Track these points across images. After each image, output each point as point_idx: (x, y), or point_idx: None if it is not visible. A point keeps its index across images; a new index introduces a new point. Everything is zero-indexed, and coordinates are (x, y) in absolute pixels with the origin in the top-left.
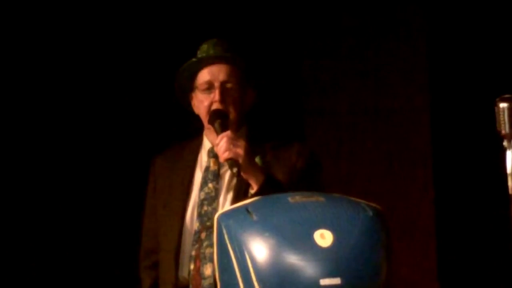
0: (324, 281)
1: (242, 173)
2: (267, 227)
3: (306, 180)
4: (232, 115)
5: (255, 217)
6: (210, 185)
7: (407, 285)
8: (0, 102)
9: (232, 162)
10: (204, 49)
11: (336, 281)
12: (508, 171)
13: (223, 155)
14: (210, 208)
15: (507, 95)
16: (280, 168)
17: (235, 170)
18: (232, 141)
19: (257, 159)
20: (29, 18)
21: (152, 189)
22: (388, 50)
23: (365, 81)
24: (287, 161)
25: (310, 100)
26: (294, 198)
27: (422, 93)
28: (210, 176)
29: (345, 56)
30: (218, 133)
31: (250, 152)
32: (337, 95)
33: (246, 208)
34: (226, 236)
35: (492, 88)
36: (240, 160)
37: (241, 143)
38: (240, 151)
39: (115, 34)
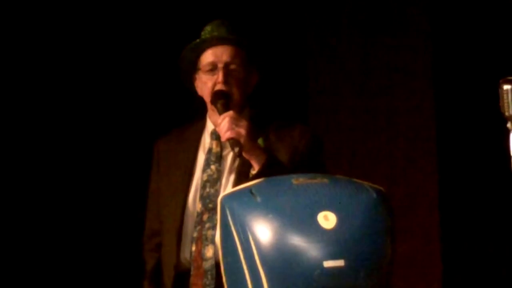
0: (327, 263)
1: (243, 153)
2: (271, 209)
3: (308, 161)
4: (235, 96)
5: (258, 199)
6: (212, 167)
7: (411, 266)
8: None
9: (234, 141)
10: (208, 30)
11: (340, 263)
12: None
13: (225, 134)
14: (212, 190)
15: (511, 77)
16: (283, 149)
17: (236, 149)
18: (234, 121)
19: (259, 141)
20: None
21: (155, 172)
22: (391, 36)
23: (368, 77)
24: (289, 142)
25: (311, 99)
26: (297, 180)
27: (426, 77)
28: (212, 158)
29: (347, 53)
30: (220, 113)
31: (252, 132)
32: (338, 94)
33: (249, 190)
34: (229, 218)
35: (496, 70)
36: (242, 140)
37: (243, 123)
38: (242, 131)
39: (116, 17)
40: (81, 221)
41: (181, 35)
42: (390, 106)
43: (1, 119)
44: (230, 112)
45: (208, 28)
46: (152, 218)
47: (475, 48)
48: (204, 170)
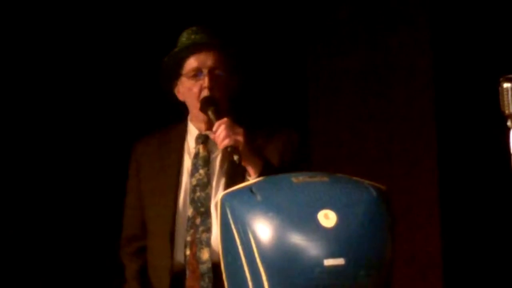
0: (328, 261)
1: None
2: (271, 208)
3: (296, 163)
4: (221, 101)
5: (259, 198)
6: (201, 171)
7: (411, 266)
8: None
9: (232, 149)
10: (187, 37)
11: (340, 261)
12: None
13: (223, 142)
14: (203, 194)
15: (511, 75)
16: (270, 152)
17: (236, 157)
18: (231, 128)
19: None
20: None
21: (133, 176)
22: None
23: (368, 77)
24: (276, 144)
25: (311, 99)
26: (298, 179)
27: (426, 76)
28: (200, 162)
29: (347, 53)
30: (213, 120)
31: (249, 139)
32: (338, 94)
33: (250, 188)
34: (229, 217)
35: (496, 68)
36: (240, 147)
37: (240, 129)
38: (240, 138)
39: (98, 20)
40: (63, 222)
41: (165, 38)
42: (390, 106)
43: None
44: (225, 119)
45: (185, 34)
46: (132, 221)
47: (475, 47)
48: (192, 175)
